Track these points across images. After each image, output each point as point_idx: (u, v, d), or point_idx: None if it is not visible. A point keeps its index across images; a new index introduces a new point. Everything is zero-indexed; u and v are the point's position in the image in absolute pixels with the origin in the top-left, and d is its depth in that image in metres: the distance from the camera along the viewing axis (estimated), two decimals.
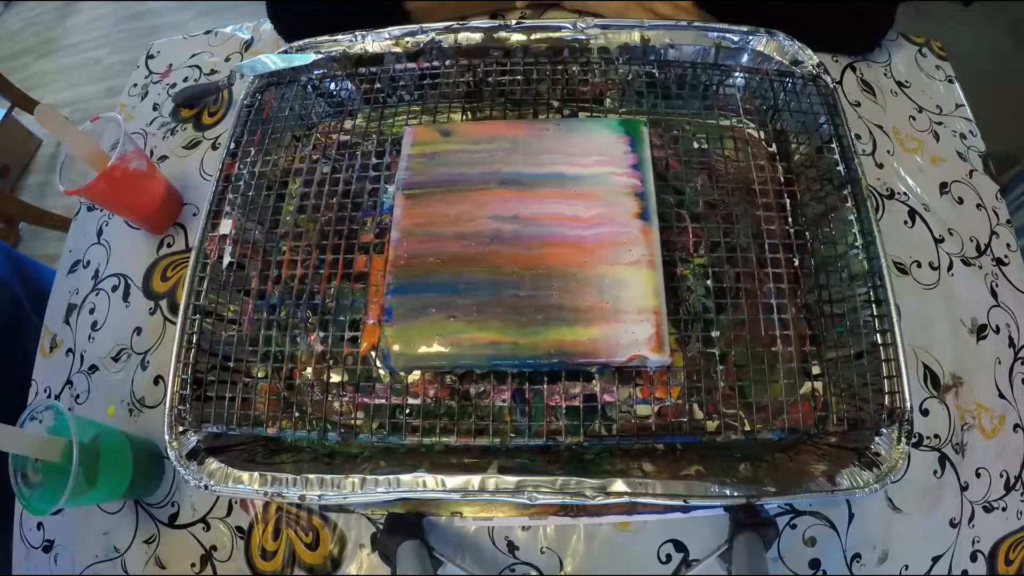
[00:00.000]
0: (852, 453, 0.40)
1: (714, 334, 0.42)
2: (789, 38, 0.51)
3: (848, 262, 0.45)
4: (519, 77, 0.51)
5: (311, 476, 0.40)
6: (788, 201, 0.47)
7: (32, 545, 0.50)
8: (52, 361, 0.56)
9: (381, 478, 0.40)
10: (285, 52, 0.55)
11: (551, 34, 0.53)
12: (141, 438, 0.49)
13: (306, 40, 0.55)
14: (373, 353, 0.44)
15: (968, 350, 0.50)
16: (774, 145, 0.53)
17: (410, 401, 0.44)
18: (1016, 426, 0.49)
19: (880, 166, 0.57)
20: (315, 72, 0.54)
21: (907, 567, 0.44)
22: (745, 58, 0.53)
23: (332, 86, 0.55)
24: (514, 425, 0.42)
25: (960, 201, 0.56)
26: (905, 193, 0.56)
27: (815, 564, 0.44)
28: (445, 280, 0.41)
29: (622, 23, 0.53)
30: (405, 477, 0.39)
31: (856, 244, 0.44)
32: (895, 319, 0.41)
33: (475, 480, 0.39)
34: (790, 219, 0.48)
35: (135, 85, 0.69)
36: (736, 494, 0.38)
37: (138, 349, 0.54)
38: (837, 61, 0.61)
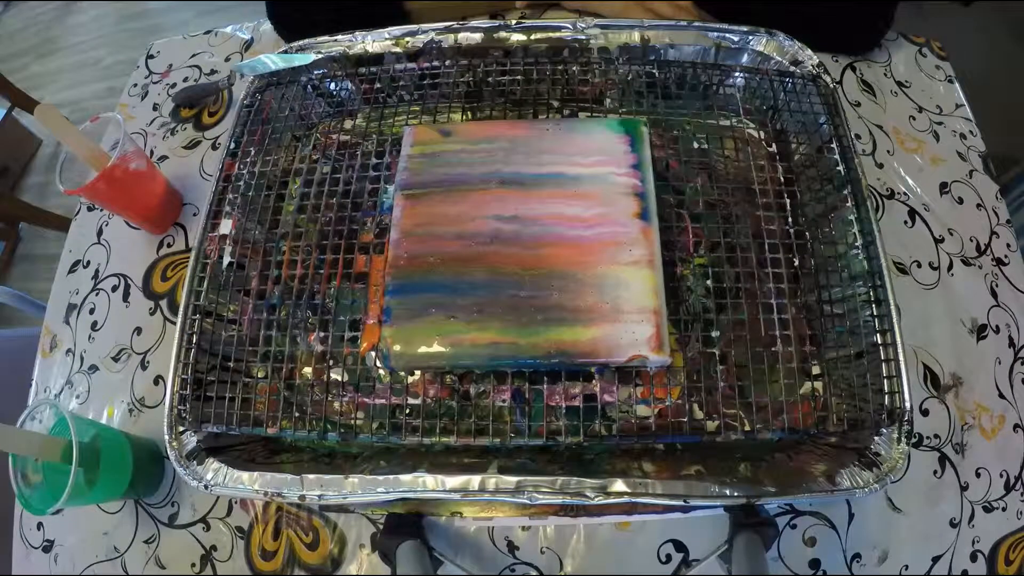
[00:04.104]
0: (852, 453, 0.40)
1: (714, 334, 0.42)
2: (789, 38, 0.51)
3: (848, 262, 0.45)
4: (519, 77, 0.51)
5: (311, 476, 0.40)
6: (788, 201, 0.47)
7: (32, 545, 0.50)
8: (52, 361, 0.56)
9: (381, 478, 0.40)
10: (285, 52, 0.55)
11: (551, 34, 0.53)
12: (141, 438, 0.49)
13: (306, 40, 0.55)
14: (373, 353, 0.44)
15: (968, 350, 0.50)
16: (774, 145, 0.53)
17: (410, 401, 0.44)
18: (1016, 426, 0.49)
19: (880, 166, 0.57)
20: (315, 72, 0.54)
21: (907, 567, 0.44)
22: (745, 58, 0.53)
23: (332, 86, 0.55)
24: (514, 425, 0.42)
25: (960, 201, 0.56)
26: (905, 193, 0.56)
27: (815, 564, 0.44)
28: (445, 280, 0.41)
29: (622, 23, 0.53)
30: (405, 477, 0.39)
31: (856, 244, 0.44)
32: (895, 319, 0.41)
33: (475, 480, 0.39)
34: (790, 219, 0.48)
35: (135, 85, 0.69)
36: (736, 494, 0.38)
37: (138, 349, 0.54)
38: (837, 61, 0.61)
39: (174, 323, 0.46)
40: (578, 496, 0.38)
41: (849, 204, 0.45)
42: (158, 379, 0.52)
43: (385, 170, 0.48)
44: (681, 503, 0.38)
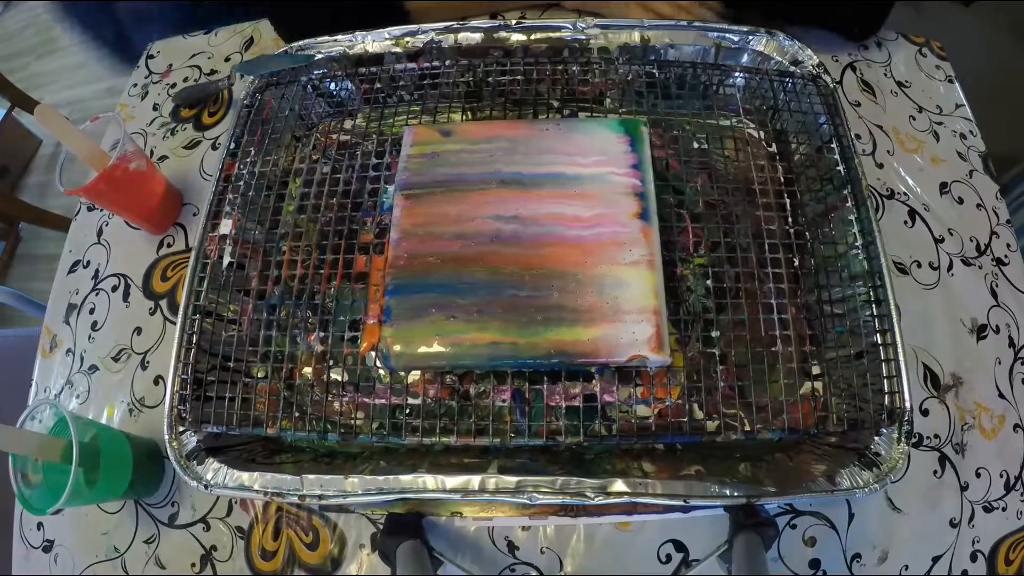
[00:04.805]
0: (852, 453, 0.40)
1: (714, 334, 0.42)
2: (789, 38, 0.51)
3: (848, 262, 0.45)
4: (519, 77, 0.51)
5: (311, 476, 0.40)
6: (788, 201, 0.47)
7: (32, 545, 0.50)
8: (52, 361, 0.56)
9: (381, 478, 0.40)
10: (285, 52, 0.55)
11: (551, 34, 0.53)
12: (141, 438, 0.49)
13: (306, 40, 0.55)
14: (373, 353, 0.44)
15: (968, 350, 0.50)
16: (774, 145, 0.53)
17: (410, 401, 0.44)
18: (1016, 426, 0.49)
19: (880, 166, 0.57)
20: (315, 72, 0.54)
21: (907, 567, 0.44)
22: (745, 58, 0.53)
23: (332, 86, 0.55)
24: (514, 425, 0.42)
25: (960, 201, 0.56)
26: (905, 193, 0.56)
27: (815, 564, 0.44)
28: (445, 280, 0.41)
29: (622, 23, 0.53)
30: (405, 477, 0.39)
31: (856, 244, 0.44)
32: (895, 319, 0.41)
33: (475, 480, 0.39)
34: (790, 219, 0.48)
35: (135, 85, 0.69)
36: (736, 494, 0.38)
37: (138, 349, 0.54)
38: (837, 61, 0.61)
39: (174, 323, 0.46)
40: (578, 496, 0.38)
41: (849, 204, 0.45)
42: (158, 379, 0.52)
43: (385, 170, 0.48)
44: (681, 503, 0.38)
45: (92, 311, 0.57)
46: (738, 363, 0.44)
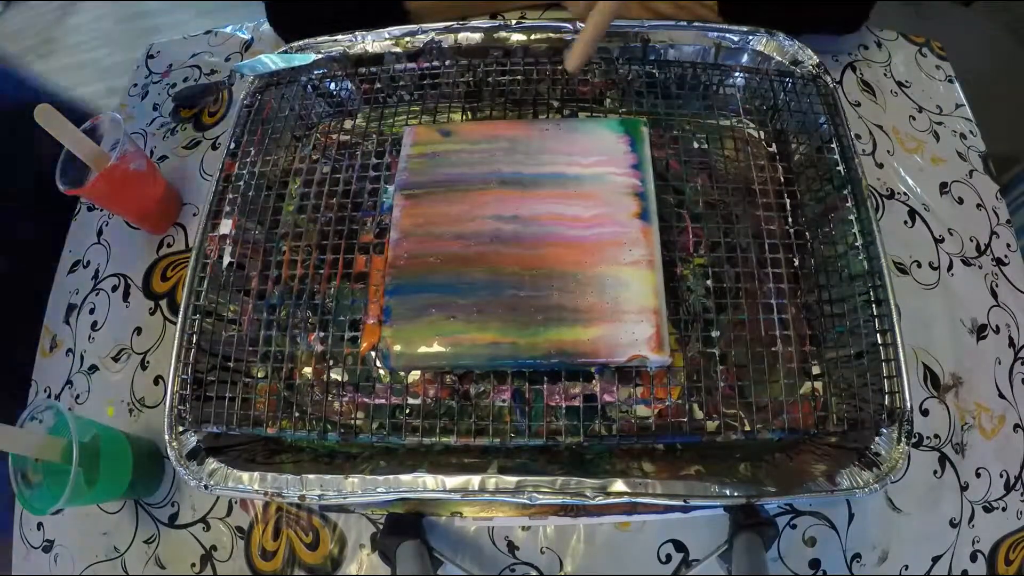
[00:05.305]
0: (852, 453, 0.40)
1: (714, 334, 0.42)
2: (789, 38, 0.51)
3: (848, 262, 0.45)
4: (519, 77, 0.51)
5: (311, 476, 0.40)
6: (788, 201, 0.47)
7: (32, 545, 0.50)
8: (52, 361, 0.56)
9: (381, 478, 0.40)
10: (285, 52, 0.55)
11: (551, 34, 0.53)
12: (141, 438, 0.49)
13: (306, 40, 0.55)
14: (373, 353, 0.44)
15: (968, 350, 0.50)
16: (774, 145, 0.53)
17: (410, 401, 0.44)
18: (1016, 426, 0.49)
19: (880, 166, 0.57)
20: (315, 72, 0.54)
21: (907, 567, 0.44)
22: (745, 58, 0.53)
23: (332, 86, 0.55)
24: (514, 425, 0.42)
25: (960, 201, 0.56)
26: (905, 193, 0.56)
27: (815, 564, 0.44)
28: (445, 280, 0.41)
29: (622, 23, 0.53)
30: (405, 477, 0.39)
31: (856, 244, 0.44)
32: (895, 319, 0.41)
33: (475, 480, 0.39)
34: (790, 219, 0.48)
35: (135, 85, 0.69)
36: (736, 494, 0.38)
37: (138, 349, 0.54)
38: (837, 61, 0.61)
39: (174, 323, 0.46)
40: (578, 496, 0.38)
41: (849, 204, 0.45)
42: (158, 379, 0.52)
43: (385, 170, 0.48)
44: (681, 503, 0.38)
45: (92, 311, 0.57)
46: (738, 363, 0.44)
